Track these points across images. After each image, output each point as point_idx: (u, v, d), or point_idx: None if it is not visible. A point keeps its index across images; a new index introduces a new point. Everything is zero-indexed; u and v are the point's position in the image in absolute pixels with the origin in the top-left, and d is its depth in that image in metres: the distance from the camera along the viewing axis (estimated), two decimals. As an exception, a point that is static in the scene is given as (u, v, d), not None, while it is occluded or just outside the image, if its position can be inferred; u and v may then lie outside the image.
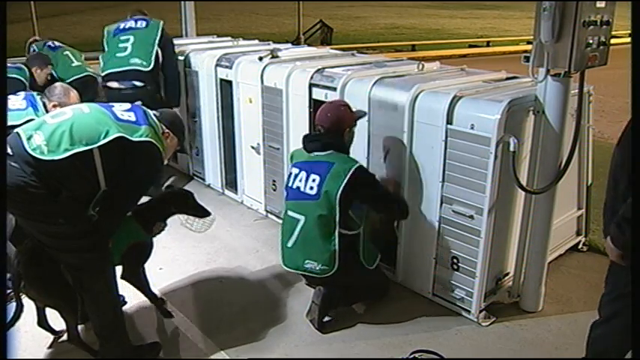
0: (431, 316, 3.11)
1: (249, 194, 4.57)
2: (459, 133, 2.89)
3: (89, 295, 2.59)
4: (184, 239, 3.87)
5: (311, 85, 3.72)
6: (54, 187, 2.39)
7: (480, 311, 3.05)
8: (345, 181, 2.80)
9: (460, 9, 32.51)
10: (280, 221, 4.22)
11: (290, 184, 3.00)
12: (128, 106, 2.66)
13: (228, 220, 4.35)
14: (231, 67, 4.39)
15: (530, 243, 3.07)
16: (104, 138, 2.42)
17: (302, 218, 2.91)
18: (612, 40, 2.76)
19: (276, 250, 3.88)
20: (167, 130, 2.72)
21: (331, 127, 2.96)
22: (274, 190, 4.19)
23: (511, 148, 2.74)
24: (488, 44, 18.19)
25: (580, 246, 3.83)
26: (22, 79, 4.53)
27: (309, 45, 9.65)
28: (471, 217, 2.91)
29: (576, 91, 2.75)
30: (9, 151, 2.37)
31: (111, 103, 2.67)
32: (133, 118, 2.55)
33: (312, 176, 2.88)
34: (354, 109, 3.07)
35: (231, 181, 4.80)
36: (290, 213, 3.00)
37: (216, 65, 4.55)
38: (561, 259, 3.63)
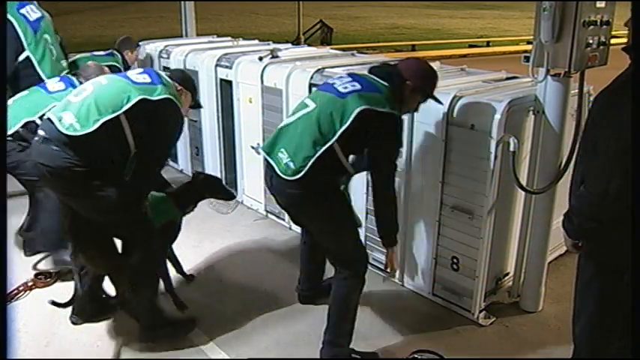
0: (431, 316, 3.12)
1: (249, 194, 4.57)
2: (459, 133, 2.89)
3: (135, 265, 2.79)
4: (184, 239, 3.86)
5: (311, 85, 3.72)
6: (94, 160, 2.56)
7: (480, 311, 3.05)
8: (378, 111, 2.44)
9: (460, 9, 32.50)
10: (280, 221, 4.25)
11: (328, 81, 2.75)
12: (141, 69, 2.84)
13: (228, 220, 4.34)
14: (231, 67, 4.39)
15: (530, 243, 3.07)
16: (127, 103, 2.57)
17: (312, 106, 2.56)
18: (612, 40, 2.76)
19: (276, 250, 3.90)
20: (180, 87, 2.85)
21: (403, 71, 2.61)
22: (274, 190, 4.19)
23: (511, 148, 2.74)
24: (488, 44, 18.19)
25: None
26: (117, 64, 4.82)
27: (309, 45, 9.65)
28: (471, 217, 2.91)
29: (576, 91, 2.75)
30: (45, 135, 2.58)
31: (124, 72, 2.91)
32: (149, 80, 2.70)
33: (355, 83, 2.55)
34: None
35: (231, 181, 4.80)
36: (305, 100, 2.67)
37: (216, 65, 4.55)
38: (561, 259, 3.62)
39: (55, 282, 3.41)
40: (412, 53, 14.75)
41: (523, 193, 2.99)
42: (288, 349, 2.87)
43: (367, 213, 3.43)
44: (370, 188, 2.66)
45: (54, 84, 3.43)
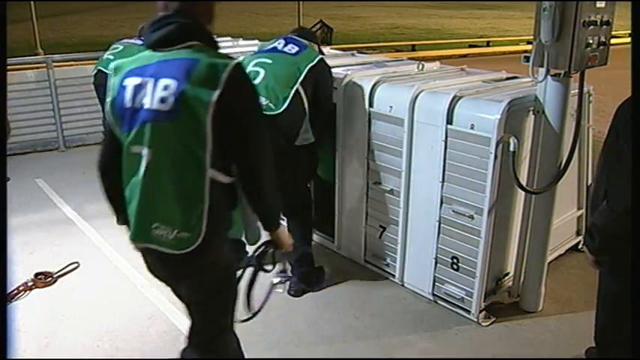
0: (431, 316, 3.11)
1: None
2: (458, 133, 2.89)
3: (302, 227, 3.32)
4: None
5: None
6: (289, 132, 3.00)
7: (480, 311, 3.05)
8: (223, 85, 1.70)
9: (460, 9, 32.51)
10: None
11: (125, 104, 1.80)
12: (282, 41, 3.16)
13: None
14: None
15: (530, 243, 3.07)
16: (300, 75, 3.00)
17: (146, 152, 1.76)
18: (612, 40, 2.76)
19: (276, 250, 3.89)
20: (314, 44, 3.27)
21: (185, 5, 1.80)
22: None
23: (511, 148, 2.74)
24: (488, 44, 18.20)
25: (580, 246, 3.82)
26: None
27: (309, 45, 9.65)
28: (471, 217, 2.91)
29: (576, 91, 2.75)
30: None
31: (273, 46, 3.18)
32: (297, 49, 3.10)
33: (163, 82, 1.74)
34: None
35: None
36: (133, 149, 1.79)
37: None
38: (561, 259, 3.62)
39: (55, 282, 3.42)
40: (412, 53, 14.75)
41: (523, 193, 2.99)
42: (288, 349, 2.87)
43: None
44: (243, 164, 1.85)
45: None
